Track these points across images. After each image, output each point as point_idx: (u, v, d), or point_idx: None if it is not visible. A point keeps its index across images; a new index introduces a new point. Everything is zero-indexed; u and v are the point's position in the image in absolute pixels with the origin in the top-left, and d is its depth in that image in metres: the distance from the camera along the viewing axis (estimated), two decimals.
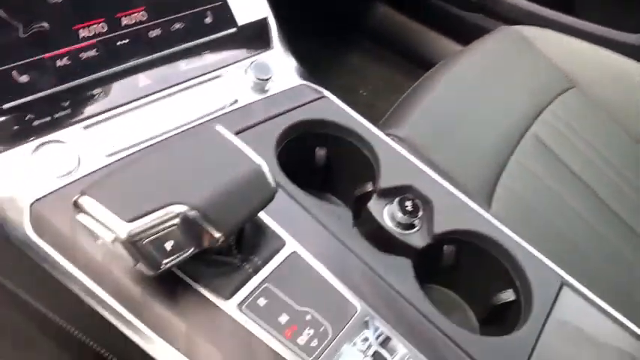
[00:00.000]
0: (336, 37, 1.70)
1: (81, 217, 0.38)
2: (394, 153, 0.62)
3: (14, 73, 0.50)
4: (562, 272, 0.56)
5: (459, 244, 0.58)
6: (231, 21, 0.64)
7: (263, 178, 0.43)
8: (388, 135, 0.66)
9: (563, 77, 1.10)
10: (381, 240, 0.56)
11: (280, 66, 0.66)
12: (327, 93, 0.66)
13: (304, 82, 0.67)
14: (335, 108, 0.65)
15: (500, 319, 0.56)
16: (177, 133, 0.56)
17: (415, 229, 0.58)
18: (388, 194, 0.59)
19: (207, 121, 0.58)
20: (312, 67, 0.71)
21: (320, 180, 0.67)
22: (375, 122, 0.67)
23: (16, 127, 0.50)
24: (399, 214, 0.56)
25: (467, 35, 1.20)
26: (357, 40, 1.73)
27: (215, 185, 0.40)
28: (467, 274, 0.59)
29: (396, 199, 0.57)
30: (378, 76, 1.67)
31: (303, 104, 0.63)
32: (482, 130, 0.89)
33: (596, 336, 0.51)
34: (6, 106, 0.50)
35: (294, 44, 0.71)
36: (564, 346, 0.49)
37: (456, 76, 0.99)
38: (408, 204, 0.57)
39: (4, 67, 0.49)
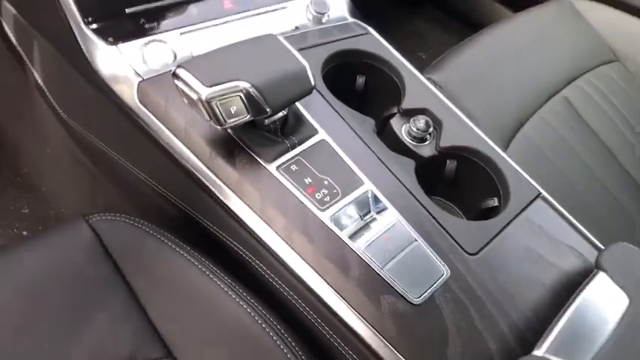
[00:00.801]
0: (402, 1, 1.80)
1: (177, 82, 0.55)
2: (418, 82, 0.76)
3: None
4: (541, 189, 0.68)
5: (459, 160, 0.71)
6: None
7: (305, 75, 0.59)
8: (428, 79, 0.79)
9: (608, 50, 1.16)
10: (397, 149, 0.70)
11: (336, 4, 0.81)
12: (371, 30, 0.80)
13: (354, 20, 0.81)
14: (376, 43, 0.79)
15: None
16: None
17: (426, 143, 0.72)
18: (408, 114, 0.73)
19: None
20: (377, 29, 0.82)
21: (357, 102, 0.81)
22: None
23: (132, 27, 0.69)
24: (414, 129, 0.70)
25: (528, 6, 1.28)
26: (422, 5, 1.82)
27: (271, 73, 0.56)
28: (463, 186, 0.72)
29: (413, 117, 0.71)
30: (439, 41, 1.76)
31: (351, 37, 0.78)
32: (513, 83, 0.99)
33: (555, 235, 0.63)
34: (128, 10, 0.68)
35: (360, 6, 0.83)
36: (525, 236, 0.62)
37: (500, 36, 1.09)
38: (422, 120, 0.70)
39: None
